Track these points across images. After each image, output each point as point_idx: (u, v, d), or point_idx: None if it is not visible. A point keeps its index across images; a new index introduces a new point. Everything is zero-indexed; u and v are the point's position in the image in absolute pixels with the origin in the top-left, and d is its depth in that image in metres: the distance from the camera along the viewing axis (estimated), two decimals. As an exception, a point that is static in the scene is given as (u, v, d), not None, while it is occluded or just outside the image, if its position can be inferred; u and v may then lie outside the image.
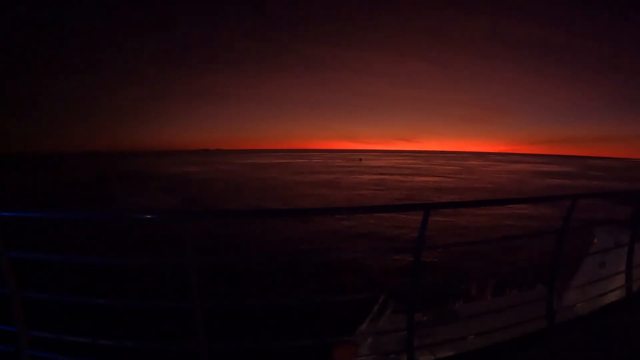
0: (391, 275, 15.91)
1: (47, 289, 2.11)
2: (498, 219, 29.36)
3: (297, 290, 14.25)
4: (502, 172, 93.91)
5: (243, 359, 4.07)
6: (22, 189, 51.67)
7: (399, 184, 58.23)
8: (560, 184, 62.29)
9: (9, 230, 1.96)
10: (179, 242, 1.81)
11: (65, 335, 2.01)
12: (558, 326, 2.75)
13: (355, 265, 17.12)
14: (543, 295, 2.84)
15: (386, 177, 72.57)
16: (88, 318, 9.32)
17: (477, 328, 2.75)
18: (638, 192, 3.56)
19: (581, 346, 2.52)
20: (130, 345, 2.10)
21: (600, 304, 3.23)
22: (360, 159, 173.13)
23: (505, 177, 75.06)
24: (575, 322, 2.90)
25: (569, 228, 2.67)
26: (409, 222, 25.67)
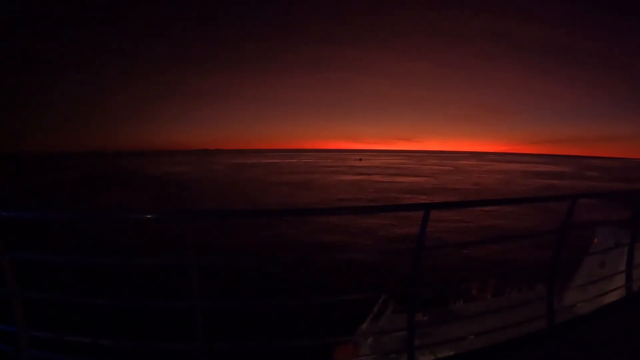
0: (391, 274, 15.92)
1: (47, 289, 2.11)
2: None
3: (297, 290, 14.25)
4: (492, 172, 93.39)
5: (243, 359, 4.07)
6: (7, 189, 52.13)
7: (375, 185, 58.02)
8: (549, 184, 61.94)
9: (8, 231, 1.96)
10: (179, 242, 1.81)
11: (65, 335, 2.01)
12: (558, 326, 2.75)
13: (355, 265, 17.13)
14: (543, 295, 2.84)
15: (367, 177, 72.25)
16: (88, 318, 9.32)
17: (477, 328, 2.75)
18: (638, 192, 3.56)
19: (581, 346, 2.52)
20: (130, 345, 2.10)
21: (600, 304, 3.22)
22: (361, 159, 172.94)
23: (494, 178, 74.40)
24: (575, 322, 2.90)
25: (569, 228, 2.67)
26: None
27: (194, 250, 1.83)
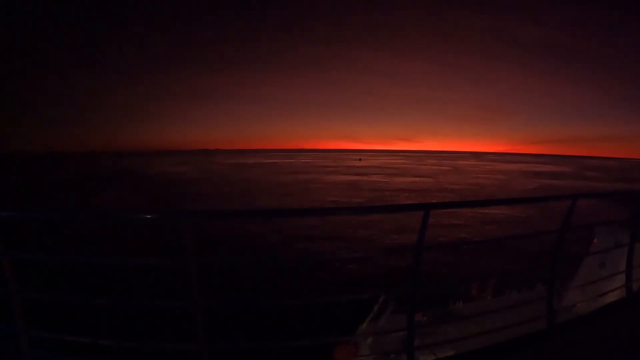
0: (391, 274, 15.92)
1: (47, 289, 2.11)
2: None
3: (297, 290, 14.26)
4: (491, 172, 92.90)
5: (243, 359, 4.08)
6: (7, 189, 52.37)
7: (372, 185, 57.80)
8: (548, 184, 61.60)
9: (8, 231, 1.95)
10: (179, 242, 1.81)
11: (65, 335, 2.01)
12: (558, 326, 2.75)
13: (355, 265, 17.14)
14: (543, 295, 2.84)
15: (364, 177, 71.92)
16: (88, 318, 9.32)
17: (477, 328, 2.75)
18: (638, 192, 3.56)
19: (581, 346, 2.52)
20: (130, 345, 2.10)
21: (600, 304, 3.22)
22: (360, 159, 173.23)
23: (492, 178, 73.75)
24: (575, 322, 2.90)
25: (569, 228, 2.67)
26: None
27: (194, 250, 1.83)
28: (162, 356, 2.89)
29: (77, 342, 2.01)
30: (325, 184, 58.87)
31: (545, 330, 2.71)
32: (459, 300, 10.02)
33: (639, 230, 4.04)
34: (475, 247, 19.39)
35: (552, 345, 2.53)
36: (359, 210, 2.26)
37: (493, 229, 25.91)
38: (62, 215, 2.05)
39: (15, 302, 1.94)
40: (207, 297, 1.88)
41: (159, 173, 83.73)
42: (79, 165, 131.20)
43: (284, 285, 14.68)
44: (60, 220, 1.86)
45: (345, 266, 16.95)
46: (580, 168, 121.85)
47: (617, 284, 3.78)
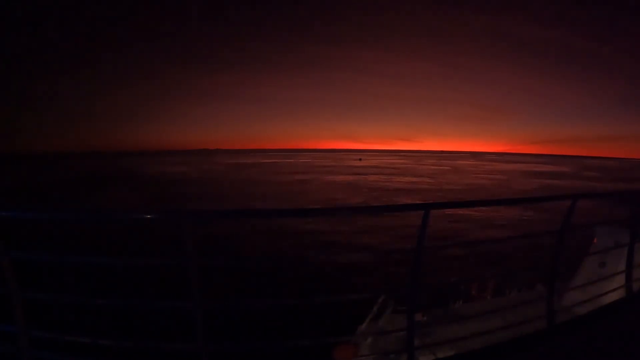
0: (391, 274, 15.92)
1: (47, 289, 2.11)
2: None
3: (297, 290, 14.26)
4: (491, 172, 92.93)
5: (243, 359, 4.08)
6: (7, 189, 52.48)
7: (371, 185, 57.90)
8: (548, 184, 61.60)
9: (8, 231, 1.95)
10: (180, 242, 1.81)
11: (65, 335, 2.01)
12: (558, 326, 2.76)
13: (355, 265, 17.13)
14: (543, 295, 2.84)
15: (363, 177, 71.99)
16: (88, 318, 9.33)
17: (477, 328, 2.75)
18: (638, 192, 3.56)
19: (581, 346, 2.52)
20: (130, 345, 2.10)
21: (600, 304, 3.23)
22: (360, 159, 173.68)
23: (491, 178, 73.71)
24: (575, 322, 2.90)
25: (569, 228, 2.68)
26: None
27: (194, 250, 1.83)
28: (162, 356, 2.89)
29: (77, 342, 2.02)
30: (325, 184, 58.90)
31: (545, 330, 2.71)
32: (459, 300, 10.03)
33: (639, 230, 4.04)
34: (475, 247, 19.38)
35: (552, 345, 2.54)
36: (359, 210, 2.26)
37: (493, 232, 25.98)
38: (62, 215, 2.05)
39: (15, 302, 1.94)
40: (207, 297, 1.88)
41: (159, 173, 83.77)
42: (79, 165, 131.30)
43: (284, 286, 14.68)
44: (61, 220, 1.86)
45: (344, 267, 16.93)
46: (580, 168, 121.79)
47: (617, 284, 3.78)
